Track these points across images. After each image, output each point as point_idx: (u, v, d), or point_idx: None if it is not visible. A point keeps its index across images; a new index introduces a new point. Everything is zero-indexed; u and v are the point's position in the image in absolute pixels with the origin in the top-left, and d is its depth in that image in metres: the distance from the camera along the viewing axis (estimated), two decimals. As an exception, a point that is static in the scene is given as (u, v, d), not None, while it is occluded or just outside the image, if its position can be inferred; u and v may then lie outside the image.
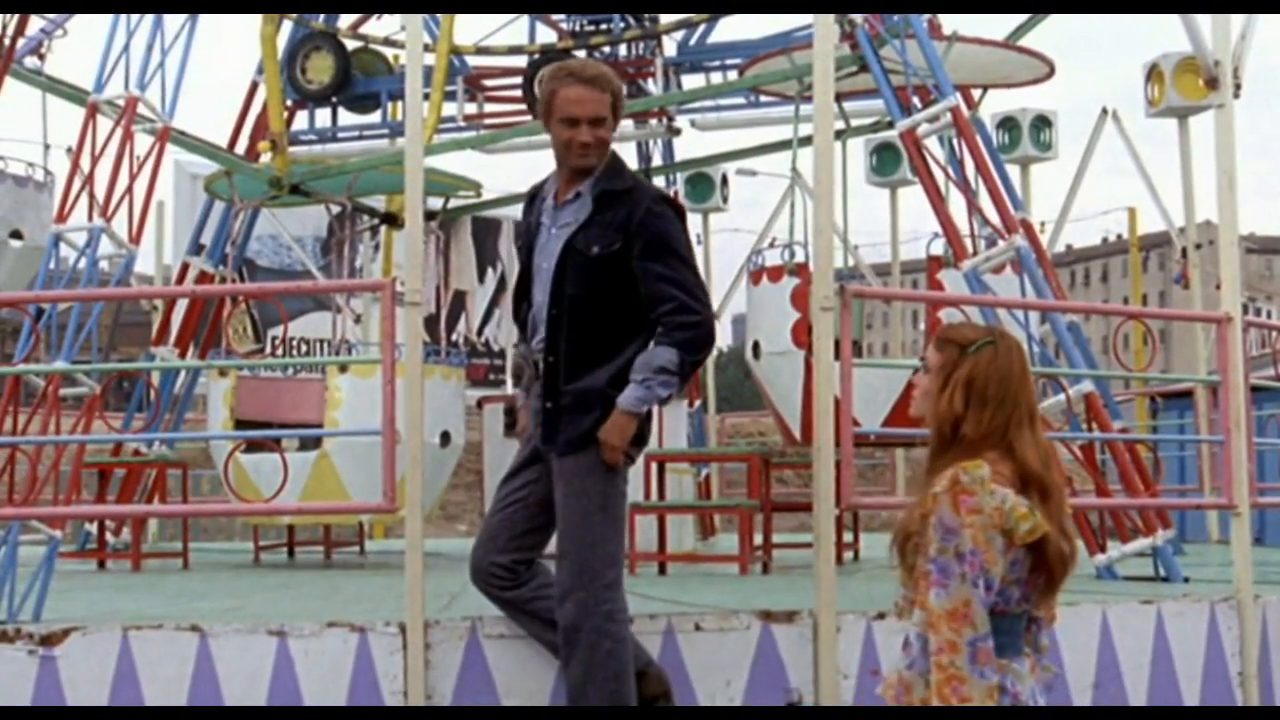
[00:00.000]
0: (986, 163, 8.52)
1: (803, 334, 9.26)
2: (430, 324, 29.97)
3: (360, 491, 10.24)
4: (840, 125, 11.13)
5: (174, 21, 8.02)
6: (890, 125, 10.16)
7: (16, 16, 10.26)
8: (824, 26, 5.98)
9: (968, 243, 8.47)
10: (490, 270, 31.43)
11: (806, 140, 10.41)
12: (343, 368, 10.22)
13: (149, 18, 7.71)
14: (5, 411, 6.46)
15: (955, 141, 8.50)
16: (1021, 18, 10.24)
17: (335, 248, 13.41)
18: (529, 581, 5.38)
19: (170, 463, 10.83)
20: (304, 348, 26.14)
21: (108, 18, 8.32)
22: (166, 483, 11.11)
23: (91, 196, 7.28)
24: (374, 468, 10.28)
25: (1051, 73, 10.18)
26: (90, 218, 7.29)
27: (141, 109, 7.78)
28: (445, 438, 10.67)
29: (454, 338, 28.53)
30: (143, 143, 8.06)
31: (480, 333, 31.29)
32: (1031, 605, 3.70)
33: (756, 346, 9.55)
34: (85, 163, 7.45)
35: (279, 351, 26.15)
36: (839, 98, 10.48)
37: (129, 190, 7.41)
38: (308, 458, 10.26)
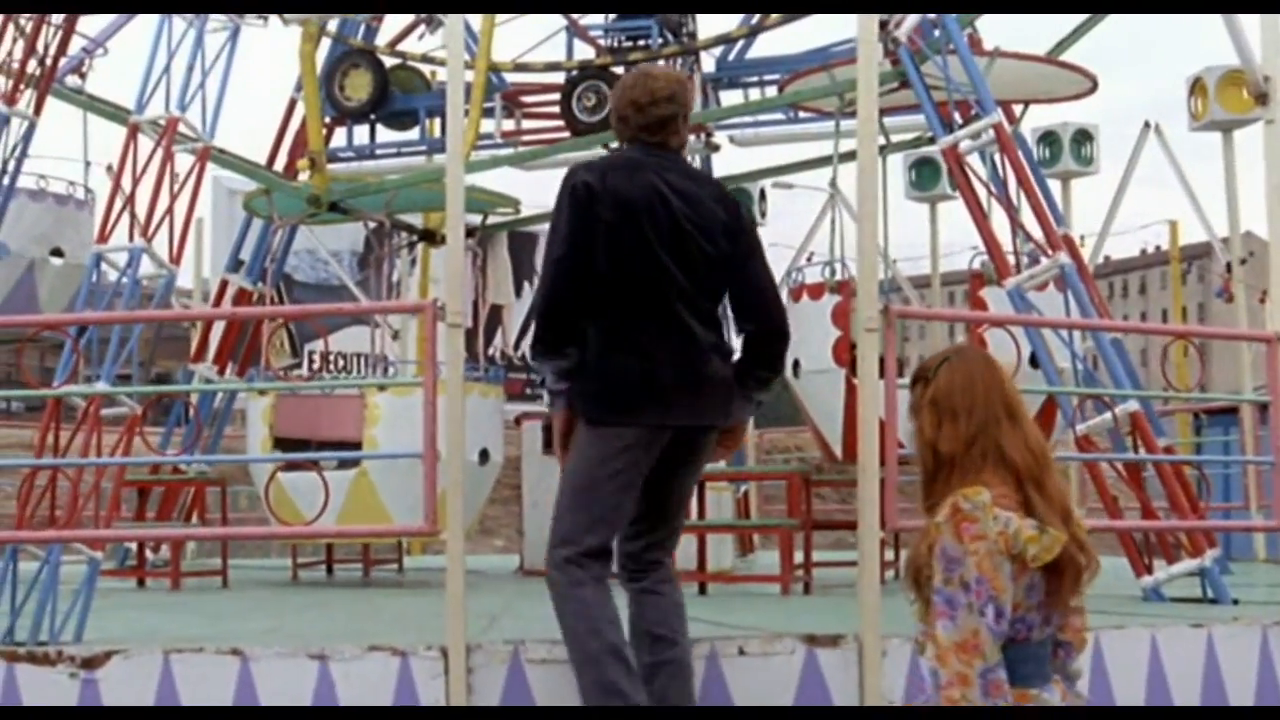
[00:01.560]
0: (1029, 179, 8.45)
1: (844, 352, 9.20)
2: (468, 339, 30.05)
3: (399, 510, 10.22)
4: (880, 141, 11.08)
5: (214, 41, 8.04)
6: (931, 141, 10.11)
7: (58, 36, 10.31)
8: (867, 44, 5.94)
9: (1009, 259, 8.39)
10: (527, 284, 31.44)
11: (847, 156, 10.38)
12: (381, 386, 10.18)
13: (189, 39, 7.72)
14: (46, 431, 6.45)
15: (997, 158, 8.44)
16: (1063, 30, 10.16)
17: (374, 264, 13.41)
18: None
19: (209, 480, 10.84)
20: (341, 362, 26.21)
21: (148, 37, 8.34)
22: (205, 500, 11.11)
23: (132, 216, 7.29)
24: (413, 485, 10.25)
25: (1094, 88, 10.11)
26: (131, 238, 7.29)
27: (182, 129, 7.79)
28: (484, 455, 10.64)
29: (490, 352, 28.53)
30: (183, 161, 8.06)
31: (517, 347, 31.31)
32: (1054, 628, 3.62)
33: (796, 365, 9.49)
34: (126, 183, 7.45)
35: (316, 366, 26.27)
36: (879, 113, 10.43)
37: (169, 210, 7.41)
38: (346, 476, 10.24)
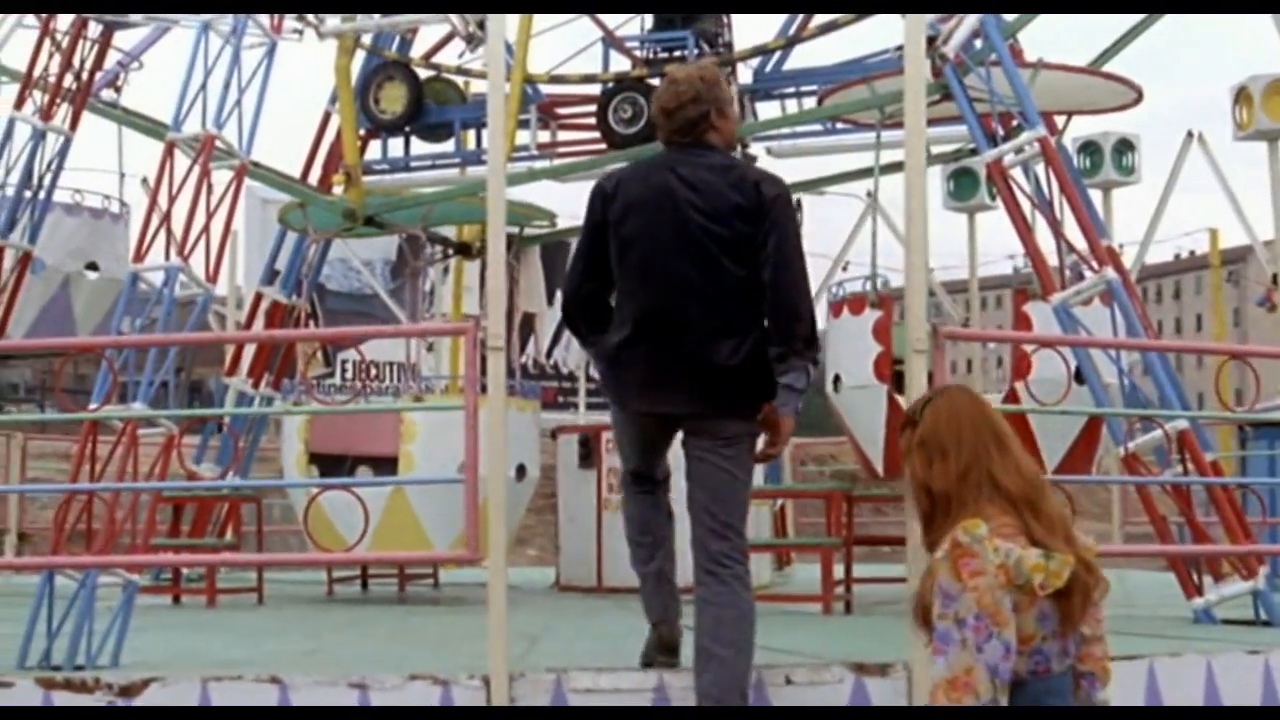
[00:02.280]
0: (1074, 193, 8.31)
1: (885, 367, 9.09)
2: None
3: (436, 526, 10.16)
4: (920, 152, 10.97)
5: (250, 58, 7.98)
6: (972, 153, 9.99)
7: (94, 50, 10.31)
8: (915, 62, 5.82)
9: (1053, 273, 8.27)
10: (560, 292, 31.26)
11: (888, 168, 10.28)
12: (417, 398, 10.11)
13: (226, 56, 7.66)
14: (83, 453, 6.40)
15: (1040, 169, 8.31)
16: (1106, 40, 10.04)
17: (408, 275, 13.36)
18: None
19: (244, 496, 10.78)
20: (373, 371, 26.18)
21: (183, 51, 8.30)
22: (240, 514, 11.06)
23: (169, 235, 7.23)
24: (450, 502, 10.24)
25: (1139, 99, 9.96)
26: (167, 256, 7.24)
27: (218, 145, 7.73)
28: (521, 471, 10.57)
29: (523, 360, 28.36)
30: (218, 177, 8.01)
31: (549, 355, 31.24)
32: (1072, 659, 3.56)
33: (837, 380, 9.38)
34: (162, 201, 7.39)
35: (349, 376, 26.24)
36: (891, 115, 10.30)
37: (205, 228, 7.35)
38: (382, 492, 10.15)
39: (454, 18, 8.25)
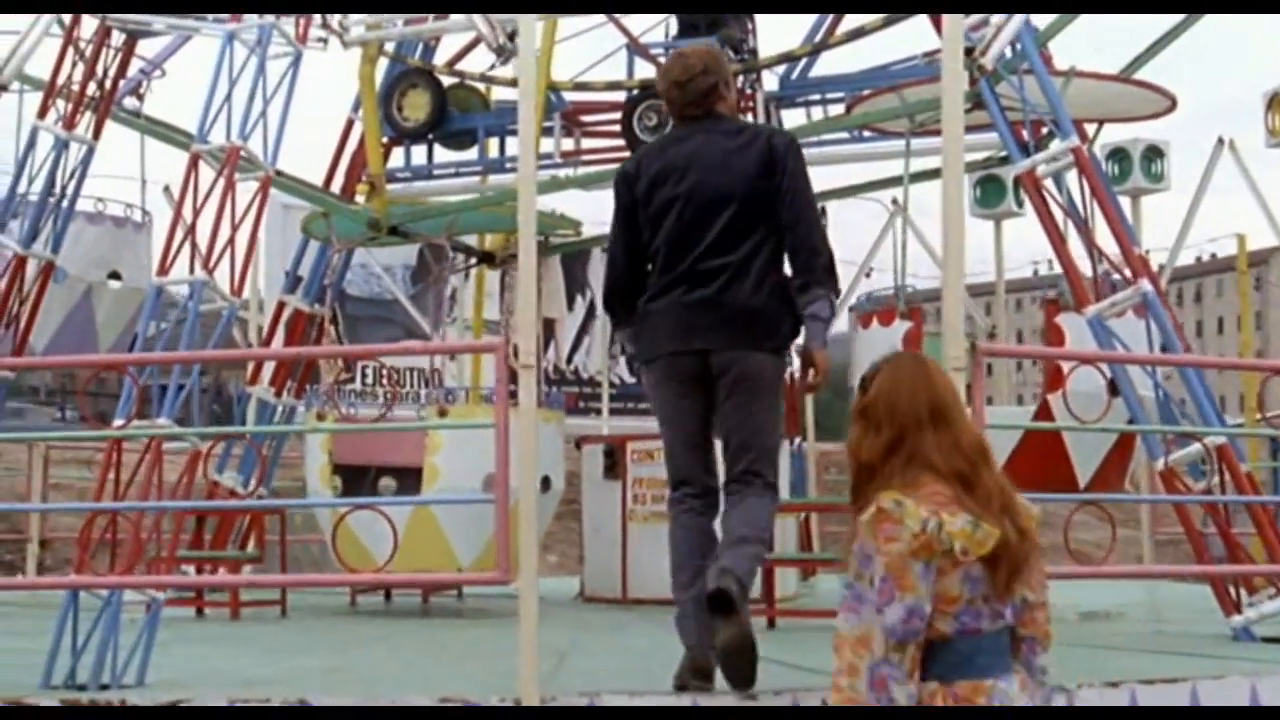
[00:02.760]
0: (1108, 203, 8.20)
1: (916, 379, 8.96)
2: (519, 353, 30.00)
3: (461, 540, 10.09)
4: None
5: (276, 68, 7.89)
6: (1002, 161, 9.87)
7: (117, 60, 10.25)
8: (953, 74, 5.70)
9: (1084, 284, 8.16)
10: (580, 297, 31.35)
11: (917, 176, 10.18)
12: (441, 411, 10.02)
13: (251, 68, 7.58)
14: (107, 469, 6.32)
15: (1070, 179, 8.20)
16: (1138, 47, 9.91)
17: (431, 283, 13.28)
18: None
19: (267, 509, 10.72)
20: (394, 377, 26.09)
21: (205, 58, 8.24)
22: (263, 524, 10.98)
23: (193, 248, 7.15)
24: (475, 516, 10.17)
25: (1173, 106, 9.84)
26: (191, 269, 7.16)
27: (243, 156, 7.65)
28: (545, 483, 10.47)
29: (544, 365, 28.38)
30: (243, 188, 7.93)
31: (570, 360, 31.22)
32: (1010, 622, 3.66)
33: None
34: (187, 213, 7.32)
35: (369, 380, 26.20)
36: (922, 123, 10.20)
37: (230, 241, 7.27)
38: (407, 506, 10.08)
39: (483, 28, 8.14)
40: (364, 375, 27.47)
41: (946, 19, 5.71)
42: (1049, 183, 8.39)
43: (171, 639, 7.70)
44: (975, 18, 7.78)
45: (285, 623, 9.79)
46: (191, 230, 7.16)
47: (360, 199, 11.46)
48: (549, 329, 28.89)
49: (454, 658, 7.76)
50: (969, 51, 7.52)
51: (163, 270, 7.11)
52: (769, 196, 5.57)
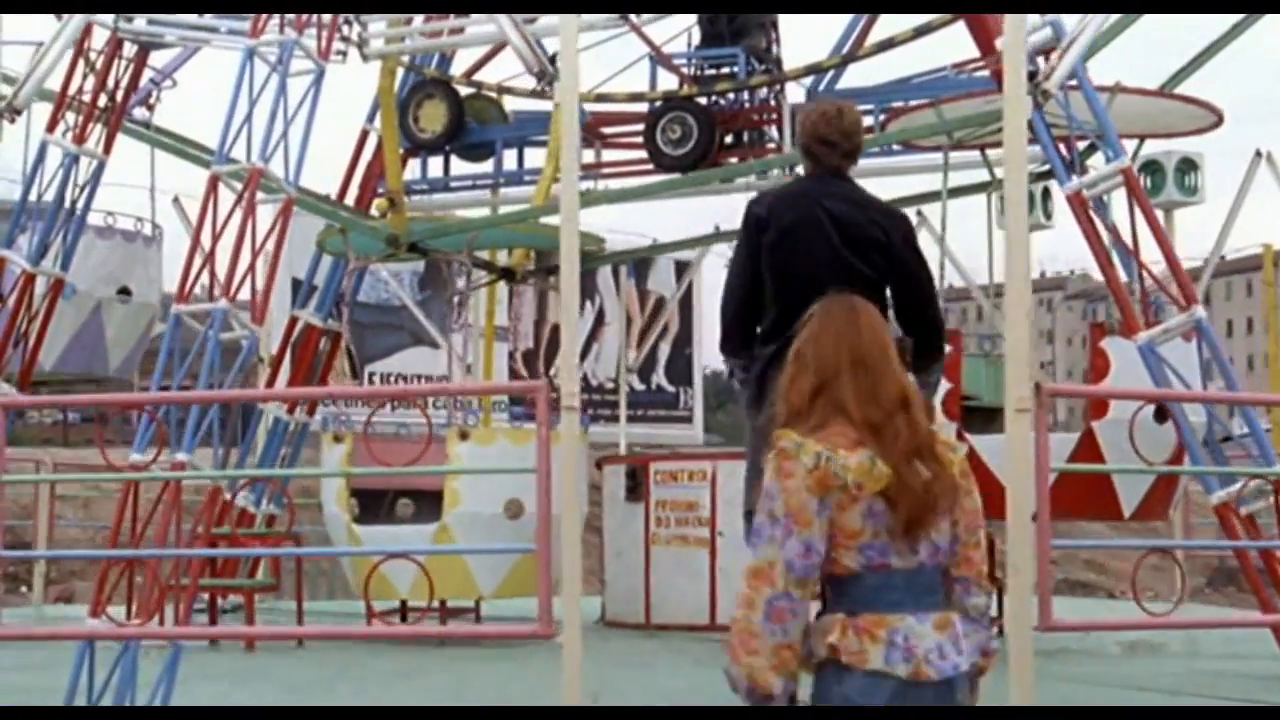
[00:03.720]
0: (1159, 226, 7.92)
1: (954, 405, 8.72)
2: (529, 360, 29.74)
3: (482, 567, 9.83)
4: (985, 177, 10.61)
5: (297, 87, 7.62)
6: (1043, 176, 9.60)
7: (129, 73, 9.98)
8: (1015, 101, 5.43)
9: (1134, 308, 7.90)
10: (589, 303, 31.03)
11: (955, 191, 9.93)
12: (462, 434, 9.76)
13: (272, 87, 7.31)
14: (123, 513, 6.06)
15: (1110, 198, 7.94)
16: (1178, 61, 9.64)
17: (447, 300, 13.01)
18: None
19: (282, 535, 10.45)
20: (401, 383, 25.77)
21: (223, 76, 7.98)
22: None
23: (212, 275, 6.88)
24: (495, 541, 9.90)
25: (1219, 122, 9.57)
26: (211, 295, 6.89)
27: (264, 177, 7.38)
28: (569, 507, 10.18)
29: (552, 372, 28.16)
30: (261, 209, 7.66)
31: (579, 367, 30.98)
32: (936, 560, 3.77)
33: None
34: (205, 237, 7.05)
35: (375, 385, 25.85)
36: (982, 149, 9.95)
37: (251, 267, 7.00)
38: (426, 531, 9.83)
39: (524, 51, 7.86)
40: (370, 383, 27.21)
41: (1008, 42, 5.44)
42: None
43: (189, 674, 7.40)
44: (1038, 37, 7.49)
45: (302, 655, 9.51)
46: (211, 256, 6.89)
47: (374, 211, 11.20)
48: (557, 335, 28.50)
49: (479, 694, 7.49)
50: (1032, 76, 7.24)
51: (182, 298, 6.84)
52: (884, 271, 5.76)
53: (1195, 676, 7.68)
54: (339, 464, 10.09)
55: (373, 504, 10.36)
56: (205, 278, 7.60)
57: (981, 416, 9.25)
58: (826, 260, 5.63)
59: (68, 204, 9.98)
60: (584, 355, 30.80)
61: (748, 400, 6.06)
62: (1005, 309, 5.41)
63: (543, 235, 10.68)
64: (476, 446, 9.81)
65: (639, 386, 29.54)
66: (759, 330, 5.91)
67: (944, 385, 8.75)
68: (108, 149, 10.13)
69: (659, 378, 32.90)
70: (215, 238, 7.02)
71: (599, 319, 30.22)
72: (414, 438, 10.86)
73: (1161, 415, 8.28)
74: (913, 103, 11.13)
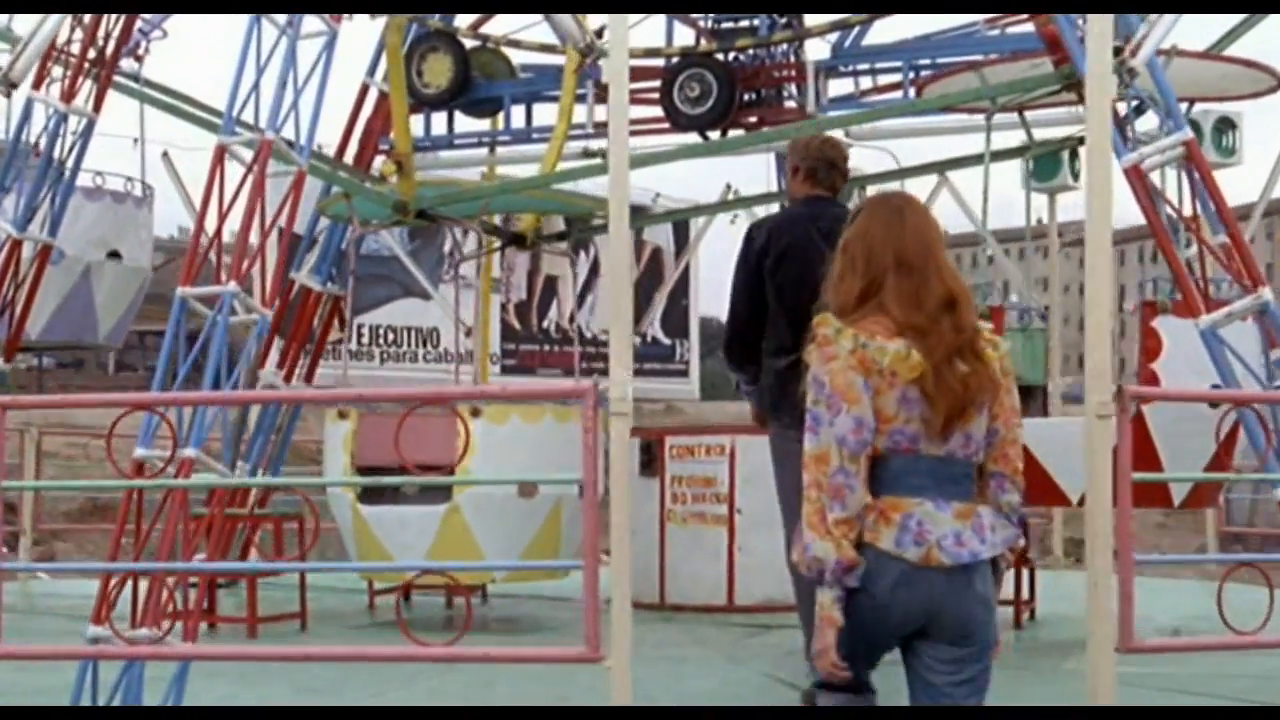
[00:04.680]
0: (1224, 202, 7.56)
1: (996, 388, 8.38)
2: (521, 312, 29.34)
3: (493, 548, 9.50)
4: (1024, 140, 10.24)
5: (308, 51, 7.21)
6: (1082, 141, 9.20)
7: (120, 26, 9.55)
8: (1098, 80, 5.06)
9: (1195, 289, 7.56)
10: (583, 253, 30.55)
11: (997, 155, 9.59)
12: (475, 411, 9.40)
13: (280, 53, 6.90)
14: (124, 523, 5.71)
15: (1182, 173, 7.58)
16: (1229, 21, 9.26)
17: (454, 266, 12.63)
18: None
19: (286, 515, 10.11)
20: (390, 336, 25.37)
21: (212, 23, 7.58)
22: (281, 536, 10.35)
23: (219, 255, 6.51)
24: (511, 522, 9.58)
25: (1279, 85, 9.21)
26: (218, 278, 6.50)
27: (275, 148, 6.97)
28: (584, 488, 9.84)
29: (545, 324, 27.86)
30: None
31: (572, 319, 30.52)
32: (969, 452, 3.95)
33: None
34: (212, 218, 6.65)
35: (364, 341, 25.46)
36: (1020, 111, 9.59)
37: (261, 248, 6.62)
38: (436, 511, 9.47)
39: (571, 26, 7.47)
40: (359, 335, 26.76)
41: (1093, 16, 5.07)
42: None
43: (192, 671, 7.13)
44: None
45: (308, 641, 9.21)
46: (218, 235, 6.51)
47: (381, 173, 10.81)
48: (551, 286, 28.21)
49: (499, 696, 7.19)
50: (1117, 51, 6.84)
51: (187, 279, 6.46)
52: None
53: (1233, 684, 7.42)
54: (344, 441, 9.73)
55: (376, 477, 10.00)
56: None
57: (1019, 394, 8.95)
58: (820, 270, 5.88)
59: (56, 165, 9.57)
60: (578, 306, 30.45)
61: (763, 405, 6.63)
62: (1087, 307, 5.09)
63: (561, 201, 10.31)
64: (489, 424, 9.45)
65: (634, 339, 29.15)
66: (771, 345, 6.45)
67: (986, 365, 8.45)
68: (98, 107, 9.71)
69: (654, 330, 32.39)
70: (223, 216, 6.63)
71: (593, 269, 29.78)
72: (421, 411, 10.46)
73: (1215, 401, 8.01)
74: (941, 60, 10.79)
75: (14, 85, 7.51)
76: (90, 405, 4.90)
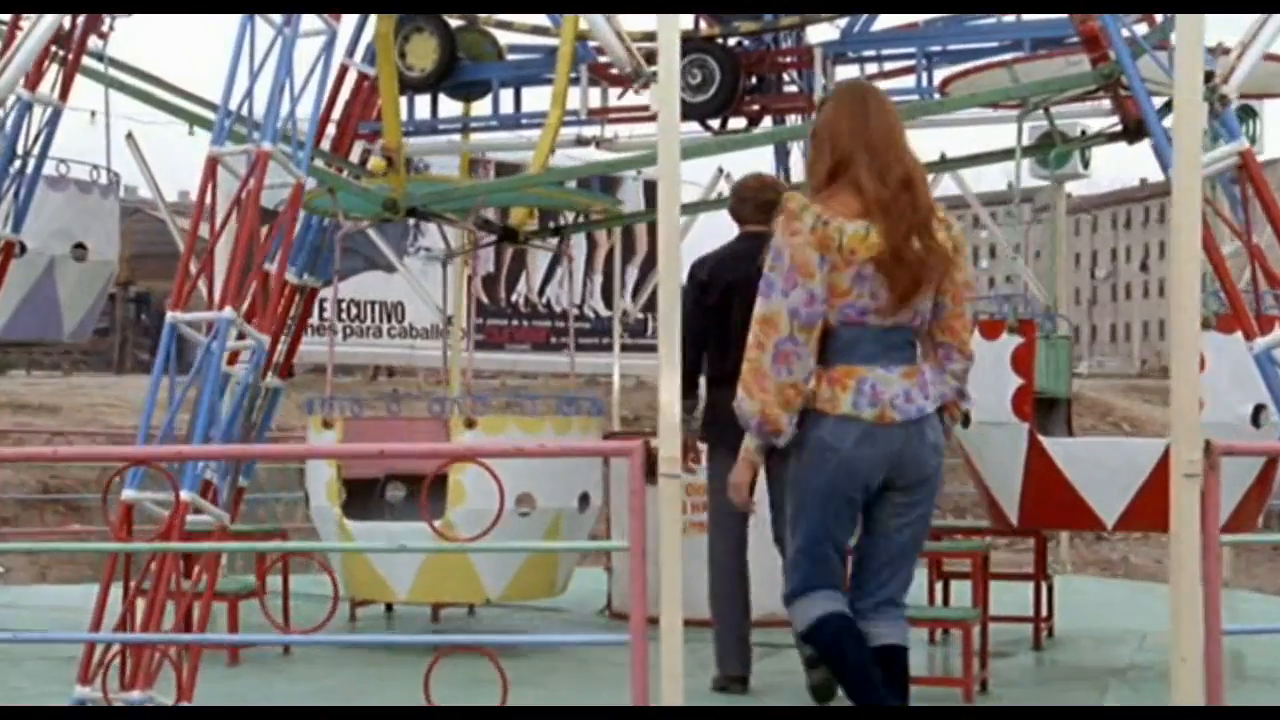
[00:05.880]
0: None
1: (1025, 404, 8.13)
2: (489, 284, 28.89)
3: (489, 570, 9.21)
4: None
5: (306, 56, 6.80)
6: (1118, 136, 8.89)
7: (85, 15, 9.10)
8: (1189, 107, 4.75)
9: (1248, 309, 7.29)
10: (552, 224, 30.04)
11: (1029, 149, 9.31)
12: (470, 422, 9.07)
13: (273, 60, 6.50)
14: (109, 584, 5.36)
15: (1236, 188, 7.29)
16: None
17: (446, 259, 12.25)
18: None
19: (267, 532, 9.76)
20: (354, 310, 24.93)
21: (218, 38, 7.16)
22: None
23: (210, 278, 6.12)
24: (508, 538, 9.22)
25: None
26: (210, 301, 6.11)
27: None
28: (584, 500, 9.56)
29: (514, 298, 27.44)
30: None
31: (542, 293, 30.07)
32: (915, 323, 4.55)
33: (965, 414, 8.36)
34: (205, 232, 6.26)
35: (327, 316, 25.03)
36: (1046, 107, 9.27)
37: (259, 266, 6.23)
38: (426, 528, 9.09)
39: (616, 47, 7.09)
40: (320, 310, 26.27)
41: (1182, 39, 4.77)
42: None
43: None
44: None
45: (292, 669, 8.87)
46: (209, 254, 6.13)
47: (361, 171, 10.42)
48: (519, 259, 27.73)
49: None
50: (1208, 77, 6.51)
51: (179, 304, 6.07)
52: None
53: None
54: (329, 452, 9.38)
55: (361, 489, 9.65)
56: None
57: (1040, 407, 8.67)
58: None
59: (20, 157, 9.13)
60: (547, 280, 29.95)
61: (692, 429, 7.33)
62: (1172, 359, 4.82)
63: (558, 197, 9.97)
64: (486, 434, 9.12)
65: (604, 312, 28.70)
66: (710, 374, 7.24)
67: (1016, 380, 8.19)
68: (64, 94, 9.26)
69: (624, 302, 31.91)
70: (216, 233, 6.23)
71: (561, 242, 29.24)
72: (407, 417, 10.12)
73: (1257, 419, 7.80)
74: (953, 47, 10.47)
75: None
76: (84, 459, 4.52)
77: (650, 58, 7.18)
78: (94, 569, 17.29)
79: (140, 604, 5.47)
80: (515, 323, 26.51)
